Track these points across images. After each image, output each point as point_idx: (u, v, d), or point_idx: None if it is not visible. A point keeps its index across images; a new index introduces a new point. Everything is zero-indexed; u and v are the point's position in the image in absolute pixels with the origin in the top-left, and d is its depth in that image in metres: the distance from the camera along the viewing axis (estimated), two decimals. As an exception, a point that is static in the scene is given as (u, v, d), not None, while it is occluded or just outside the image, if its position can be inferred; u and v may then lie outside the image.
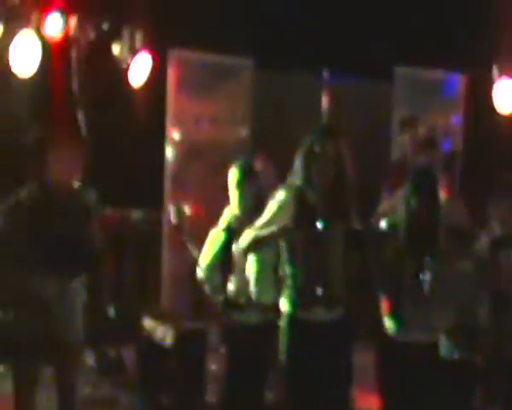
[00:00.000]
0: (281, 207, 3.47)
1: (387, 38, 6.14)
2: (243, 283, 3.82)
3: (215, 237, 3.91)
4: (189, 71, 5.72)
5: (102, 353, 5.22)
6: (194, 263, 4.04)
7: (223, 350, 4.05)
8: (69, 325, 3.72)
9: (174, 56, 5.66)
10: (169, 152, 5.72)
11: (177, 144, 5.73)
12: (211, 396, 4.64)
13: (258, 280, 3.78)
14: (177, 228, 4.13)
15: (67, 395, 3.84)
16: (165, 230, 5.56)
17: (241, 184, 3.84)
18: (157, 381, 4.80)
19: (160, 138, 5.71)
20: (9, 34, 4.49)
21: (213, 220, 4.06)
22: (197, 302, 4.87)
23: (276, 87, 6.17)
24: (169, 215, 5.15)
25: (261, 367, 3.94)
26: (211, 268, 3.91)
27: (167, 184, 5.69)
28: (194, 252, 4.02)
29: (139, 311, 5.00)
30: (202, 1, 5.93)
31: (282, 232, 3.41)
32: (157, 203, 5.61)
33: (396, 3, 6.26)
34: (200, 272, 3.96)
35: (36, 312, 3.64)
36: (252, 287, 3.81)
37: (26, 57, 4.60)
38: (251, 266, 3.77)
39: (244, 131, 5.90)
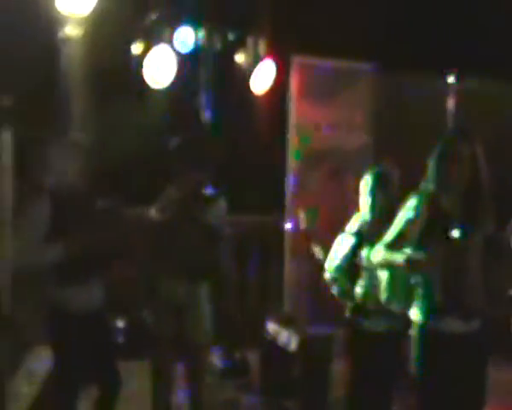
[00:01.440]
0: (413, 215, 3.39)
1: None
2: (372, 288, 3.79)
3: (343, 241, 3.92)
4: (310, 77, 5.75)
5: (228, 354, 5.35)
6: (320, 268, 4.06)
7: (348, 357, 4.02)
8: (198, 326, 3.85)
9: (296, 63, 5.71)
10: (290, 158, 5.77)
11: (298, 150, 5.77)
12: (335, 403, 4.62)
13: (388, 287, 3.73)
14: (305, 233, 4.16)
15: (195, 393, 3.97)
16: (288, 234, 5.61)
17: (374, 191, 3.83)
18: (280, 385, 4.84)
19: (281, 145, 5.78)
20: (147, 50, 4.75)
21: (334, 225, 4.05)
22: (322, 307, 4.87)
23: (398, 91, 6.07)
24: (291, 220, 5.23)
25: (387, 376, 3.88)
26: (339, 271, 3.92)
27: (289, 190, 5.74)
28: (321, 257, 4.04)
29: (263, 315, 5.07)
30: (323, 7, 5.95)
31: (413, 267, 3.32)
32: (279, 208, 5.68)
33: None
34: (328, 276, 3.97)
35: (169, 313, 3.80)
36: (381, 293, 3.76)
37: (161, 70, 4.85)
38: (381, 272, 3.73)
39: (365, 137, 5.85)
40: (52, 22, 2.76)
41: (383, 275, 3.70)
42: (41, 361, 4.49)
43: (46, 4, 2.70)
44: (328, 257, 3.99)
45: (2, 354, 3.73)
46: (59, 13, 2.83)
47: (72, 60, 3.81)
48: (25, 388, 4.20)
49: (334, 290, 3.93)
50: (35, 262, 3.58)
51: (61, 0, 2.94)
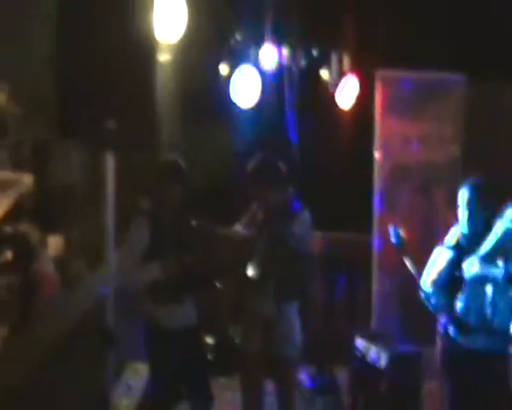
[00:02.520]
0: (509, 228, 3.29)
1: None
2: (474, 303, 3.68)
3: (440, 255, 3.84)
4: (396, 90, 5.67)
5: (317, 372, 5.33)
6: (412, 283, 3.99)
7: (443, 375, 3.91)
8: (286, 343, 3.85)
9: (381, 77, 5.65)
10: (377, 173, 5.71)
11: (385, 165, 5.71)
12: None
13: (493, 302, 3.61)
14: (398, 249, 4.10)
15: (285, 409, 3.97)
16: (376, 250, 5.55)
17: (471, 204, 3.74)
18: (370, 403, 4.77)
19: (368, 160, 5.73)
20: (233, 70, 4.85)
21: (424, 240, 3.97)
22: (412, 323, 4.77)
23: (489, 102, 5.89)
24: (379, 236, 5.17)
25: (485, 396, 3.75)
26: (436, 286, 3.83)
27: (376, 205, 5.67)
28: (414, 272, 3.97)
29: (351, 331, 5.03)
30: (407, 20, 5.89)
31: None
32: (367, 224, 5.63)
33: None
34: (423, 291, 3.89)
35: (258, 329, 3.82)
36: (484, 309, 3.65)
37: (246, 90, 4.93)
38: (483, 286, 3.62)
39: (455, 150, 5.71)
40: (149, 49, 2.89)
41: (488, 289, 3.60)
42: (138, 376, 4.64)
43: (144, 32, 2.84)
44: (424, 272, 3.91)
45: (106, 367, 3.87)
46: (155, 40, 2.96)
47: (163, 85, 3.95)
48: (123, 401, 4.34)
49: (431, 306, 3.85)
50: (135, 283, 3.71)
51: (158, 28, 3.07)
